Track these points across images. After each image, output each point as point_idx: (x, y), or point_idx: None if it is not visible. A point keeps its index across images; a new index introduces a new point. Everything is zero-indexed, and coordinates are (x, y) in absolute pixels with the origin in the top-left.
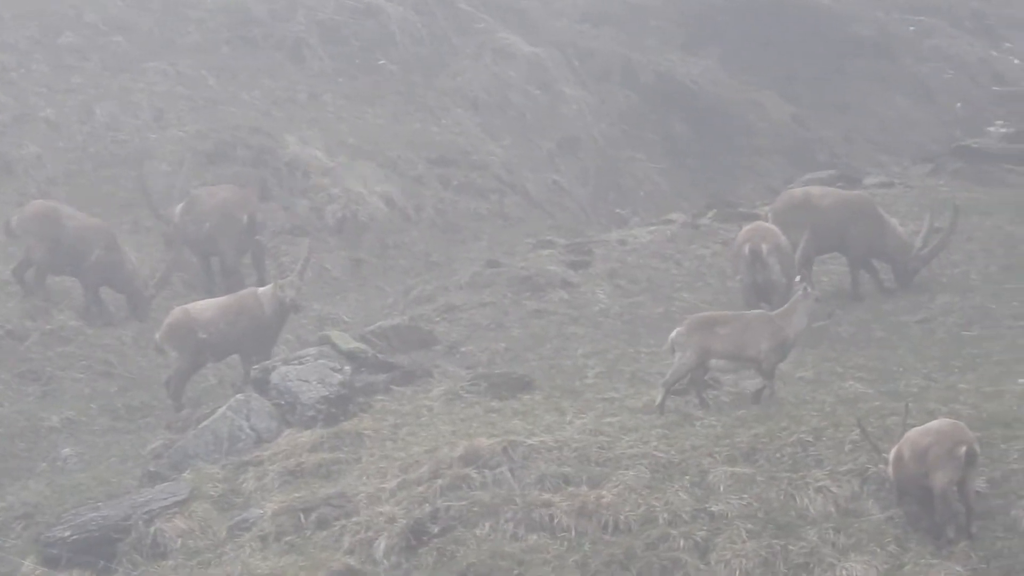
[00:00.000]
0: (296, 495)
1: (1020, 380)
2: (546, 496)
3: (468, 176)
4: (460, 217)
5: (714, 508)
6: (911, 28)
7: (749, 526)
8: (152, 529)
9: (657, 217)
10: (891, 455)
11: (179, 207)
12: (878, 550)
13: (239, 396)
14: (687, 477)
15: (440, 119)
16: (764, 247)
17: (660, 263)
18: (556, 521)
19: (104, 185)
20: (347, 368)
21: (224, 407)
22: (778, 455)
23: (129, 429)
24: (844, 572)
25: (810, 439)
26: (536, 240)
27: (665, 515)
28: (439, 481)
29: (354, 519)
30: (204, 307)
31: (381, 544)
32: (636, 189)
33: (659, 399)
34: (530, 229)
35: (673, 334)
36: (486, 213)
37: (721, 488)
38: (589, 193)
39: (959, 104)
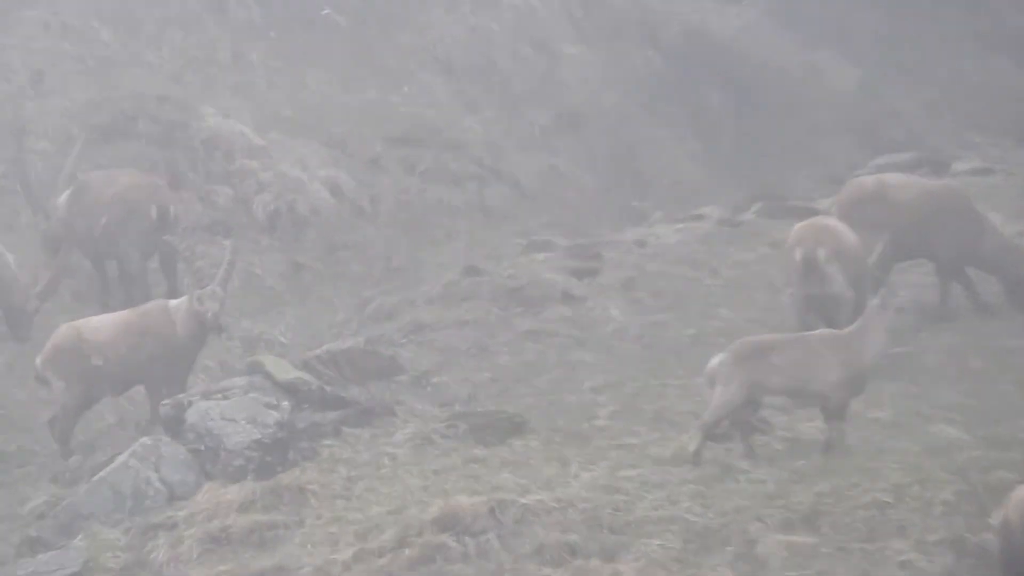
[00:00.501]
0: (221, 568)
1: None
2: (546, 572)
3: (439, 159)
4: (429, 211)
5: None
6: None
7: None
8: None
9: (686, 212)
10: (997, 521)
11: (64, 197)
12: None
13: (145, 440)
14: (729, 548)
15: (402, 86)
16: (821, 253)
17: (690, 271)
18: None
19: None
20: (285, 404)
21: (126, 454)
22: (847, 520)
23: (3, 482)
24: None
25: (889, 499)
26: (528, 241)
27: None
28: (407, 551)
29: None
30: (99, 325)
31: None
32: (658, 177)
33: (693, 446)
34: (520, 227)
35: (713, 363)
36: (462, 206)
37: (774, 563)
38: (597, 181)
39: None
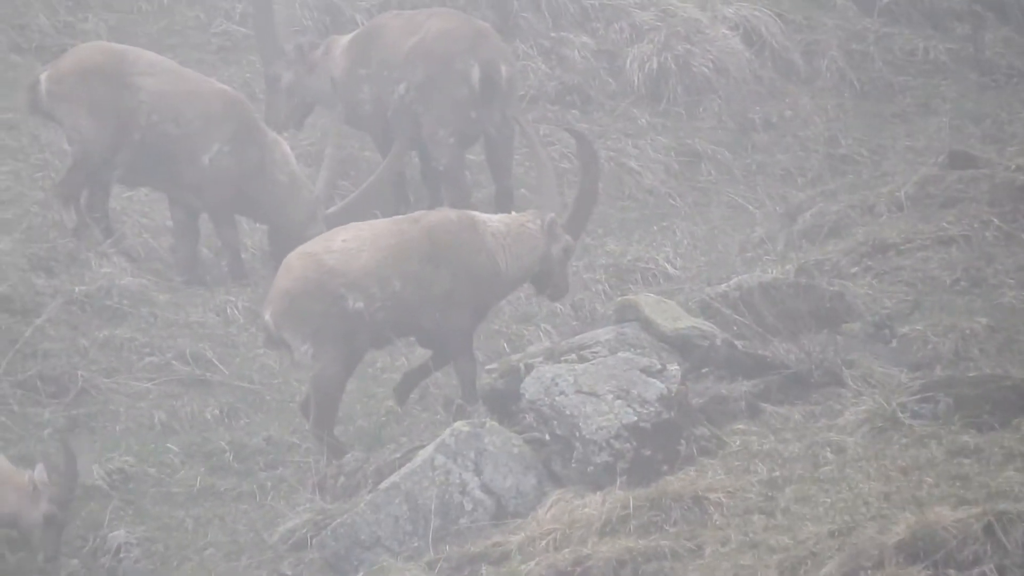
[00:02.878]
0: None
1: None
2: None
3: None
4: (905, 66)
5: None
6: None
7: None
8: None
9: None
10: None
11: (342, 47)
12: None
13: (459, 426)
14: None
15: None
16: None
17: None
18: None
19: None
20: (674, 368)
21: (430, 448)
22: None
23: (243, 492)
24: None
25: None
26: None
27: None
28: None
29: None
30: (354, 246)
31: None
32: None
33: None
34: None
35: None
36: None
37: None
38: None
39: None
